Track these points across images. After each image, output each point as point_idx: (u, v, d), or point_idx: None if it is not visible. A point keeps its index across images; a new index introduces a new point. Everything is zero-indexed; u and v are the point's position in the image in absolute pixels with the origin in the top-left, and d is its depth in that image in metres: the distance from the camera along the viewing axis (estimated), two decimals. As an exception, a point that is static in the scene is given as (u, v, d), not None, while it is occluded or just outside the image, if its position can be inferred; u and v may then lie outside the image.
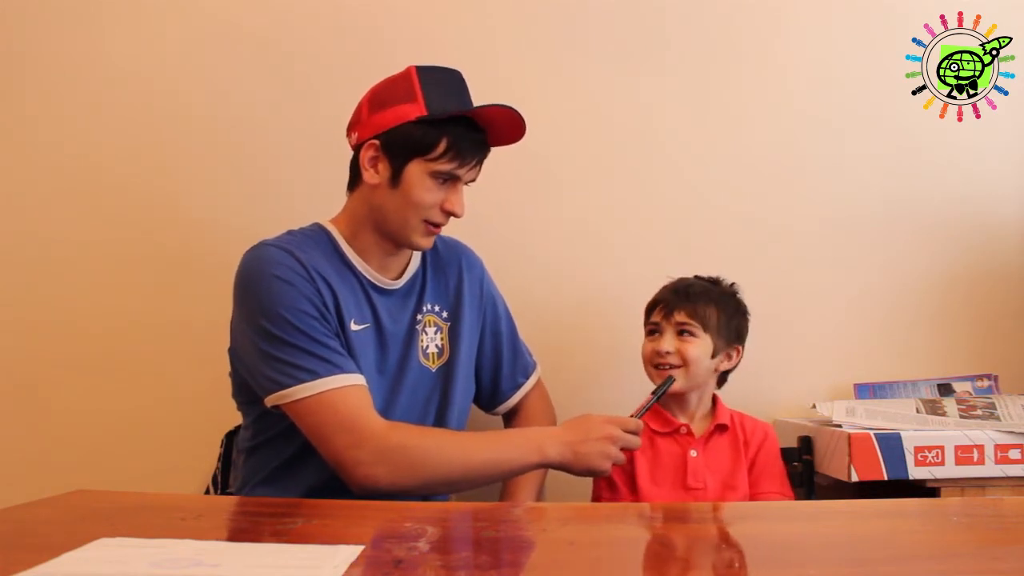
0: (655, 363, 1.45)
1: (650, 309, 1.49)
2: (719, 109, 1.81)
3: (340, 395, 1.22)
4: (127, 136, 1.77)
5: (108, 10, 1.79)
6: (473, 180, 1.35)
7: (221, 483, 1.53)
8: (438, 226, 1.33)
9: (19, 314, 1.75)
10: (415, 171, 1.28)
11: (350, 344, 1.28)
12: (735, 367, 1.51)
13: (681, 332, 1.44)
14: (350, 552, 0.76)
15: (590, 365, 1.77)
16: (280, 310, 1.24)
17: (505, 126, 1.33)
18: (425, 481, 1.22)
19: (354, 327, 1.30)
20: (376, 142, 1.29)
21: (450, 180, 1.30)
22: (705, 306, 1.45)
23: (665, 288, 1.50)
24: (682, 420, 1.46)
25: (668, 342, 1.44)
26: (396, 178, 1.29)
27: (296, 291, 1.25)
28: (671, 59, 1.81)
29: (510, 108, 1.29)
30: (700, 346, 1.43)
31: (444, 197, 1.30)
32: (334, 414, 1.21)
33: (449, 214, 1.32)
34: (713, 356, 1.45)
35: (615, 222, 1.79)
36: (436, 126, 1.27)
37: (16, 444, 1.72)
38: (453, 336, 1.42)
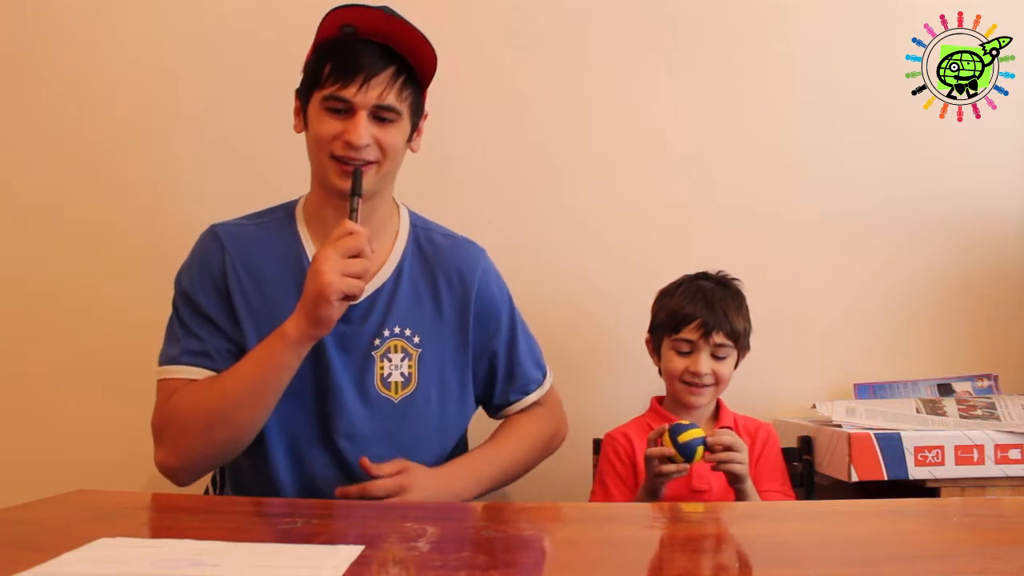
0: (686, 380, 1.40)
1: (681, 322, 1.41)
2: (720, 108, 1.81)
3: (163, 385, 1.23)
4: (128, 137, 1.77)
5: (107, 8, 1.79)
6: (384, 108, 1.19)
7: (221, 483, 1.53)
8: (347, 163, 1.20)
9: (19, 314, 1.75)
10: (313, 106, 1.22)
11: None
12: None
13: (715, 353, 1.41)
14: (350, 552, 0.76)
15: (589, 364, 1.77)
16: (179, 294, 1.28)
17: (401, 37, 1.19)
18: (205, 433, 1.18)
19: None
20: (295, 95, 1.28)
21: (346, 110, 1.19)
22: (735, 323, 1.41)
23: (694, 299, 1.42)
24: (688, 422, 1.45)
25: (706, 363, 1.39)
26: (306, 119, 1.24)
27: (197, 284, 1.26)
28: (672, 59, 1.81)
29: (378, 9, 1.18)
30: (731, 363, 1.43)
31: (343, 129, 1.19)
32: (157, 406, 1.23)
33: (348, 145, 1.18)
34: (735, 366, 1.45)
35: (614, 219, 1.79)
36: (322, 53, 1.21)
37: (16, 444, 1.72)
38: (424, 364, 1.27)
